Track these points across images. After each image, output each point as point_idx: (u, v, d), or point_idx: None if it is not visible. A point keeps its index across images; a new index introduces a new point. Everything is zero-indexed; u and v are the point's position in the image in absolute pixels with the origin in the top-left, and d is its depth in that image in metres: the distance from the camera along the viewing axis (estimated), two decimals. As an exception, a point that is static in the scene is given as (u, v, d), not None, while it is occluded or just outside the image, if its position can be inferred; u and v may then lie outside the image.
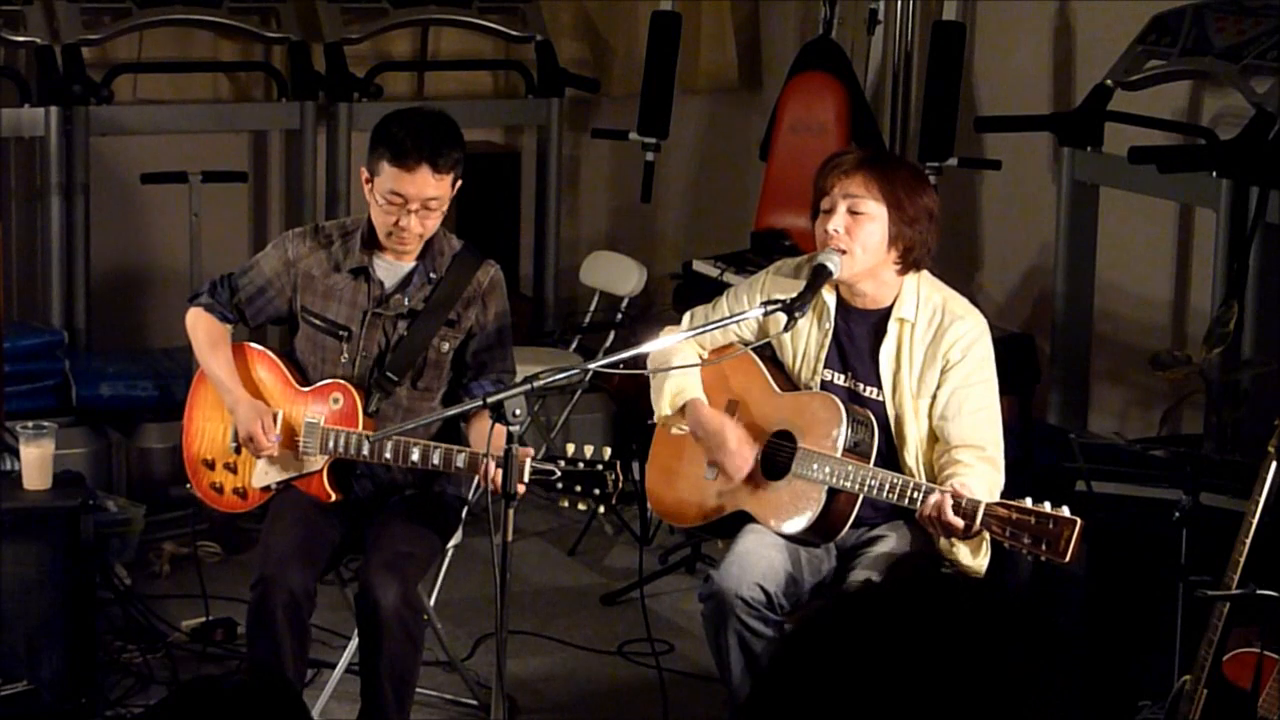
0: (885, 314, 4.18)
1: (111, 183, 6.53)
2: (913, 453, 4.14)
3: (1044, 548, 3.77)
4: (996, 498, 3.99)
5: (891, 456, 4.15)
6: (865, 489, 4.04)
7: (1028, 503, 3.80)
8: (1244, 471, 4.09)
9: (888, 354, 4.16)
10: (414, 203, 4.32)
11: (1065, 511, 3.77)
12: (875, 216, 4.11)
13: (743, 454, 4.24)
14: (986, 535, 3.96)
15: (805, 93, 6.53)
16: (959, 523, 3.87)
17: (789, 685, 1.55)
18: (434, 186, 4.32)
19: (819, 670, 1.53)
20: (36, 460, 4.67)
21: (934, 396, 4.12)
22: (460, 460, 4.22)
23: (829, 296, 4.21)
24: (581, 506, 4.02)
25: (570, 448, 4.00)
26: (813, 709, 1.52)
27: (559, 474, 3.96)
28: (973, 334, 4.14)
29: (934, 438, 4.14)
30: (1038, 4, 6.36)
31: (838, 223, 4.11)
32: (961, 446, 4.07)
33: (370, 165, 4.38)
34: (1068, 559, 3.76)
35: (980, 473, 4.03)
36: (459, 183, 4.40)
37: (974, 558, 4.08)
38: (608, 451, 3.99)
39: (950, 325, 4.13)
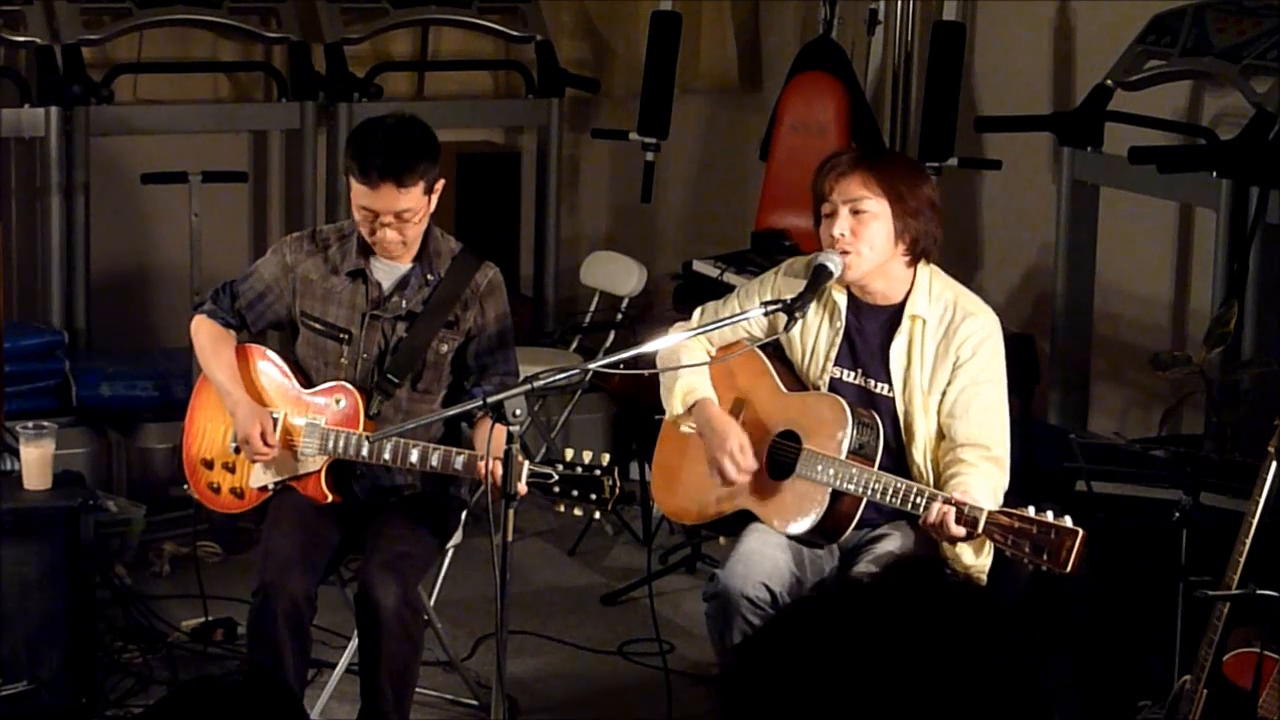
0: (898, 309, 4.17)
1: (111, 183, 6.52)
2: (921, 449, 4.12)
3: (1045, 557, 3.74)
4: (999, 498, 3.99)
5: (900, 453, 4.14)
6: (869, 492, 4.02)
7: (1030, 512, 3.78)
8: (1244, 471, 4.08)
9: (899, 350, 4.14)
10: (385, 216, 4.30)
11: (1068, 522, 3.74)
12: (878, 214, 4.10)
13: (742, 460, 4.18)
14: None
15: (805, 93, 6.53)
16: (960, 531, 3.86)
17: (775, 663, 1.54)
18: (401, 200, 4.29)
19: (807, 652, 1.53)
20: (36, 460, 4.67)
21: (943, 394, 4.11)
22: (458, 462, 4.21)
23: (840, 295, 4.19)
24: (577, 512, 4.01)
25: (569, 452, 4.00)
26: (796, 689, 1.52)
27: (556, 478, 3.96)
28: (984, 332, 4.13)
29: (942, 435, 4.12)
30: (1038, 4, 6.35)
31: (842, 226, 4.10)
32: (967, 445, 4.06)
33: (346, 173, 4.40)
34: (1068, 570, 3.73)
35: (984, 473, 4.02)
36: (439, 183, 4.37)
37: (976, 557, 4.07)
38: (606, 457, 3.98)
39: (962, 322, 4.12)
